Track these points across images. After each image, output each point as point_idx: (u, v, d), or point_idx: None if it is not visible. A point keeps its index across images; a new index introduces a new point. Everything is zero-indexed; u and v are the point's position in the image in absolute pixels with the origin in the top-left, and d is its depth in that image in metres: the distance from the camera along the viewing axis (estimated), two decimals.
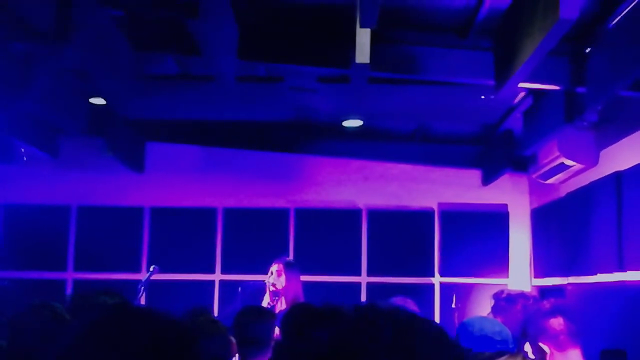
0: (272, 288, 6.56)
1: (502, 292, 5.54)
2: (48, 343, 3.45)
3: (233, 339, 4.18)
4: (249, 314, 4.54)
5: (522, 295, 5.47)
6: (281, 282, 6.55)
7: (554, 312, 4.10)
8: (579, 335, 4.04)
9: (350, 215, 9.21)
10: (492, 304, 5.45)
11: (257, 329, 4.35)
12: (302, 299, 6.47)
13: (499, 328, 3.60)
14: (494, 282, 8.64)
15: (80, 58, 5.34)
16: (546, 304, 4.29)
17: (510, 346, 3.56)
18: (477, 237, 9.01)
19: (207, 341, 3.82)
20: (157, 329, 1.42)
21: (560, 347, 3.95)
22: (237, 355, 4.38)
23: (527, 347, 4.08)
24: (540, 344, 3.99)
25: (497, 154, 8.50)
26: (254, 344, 4.29)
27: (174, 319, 1.49)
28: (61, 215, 9.18)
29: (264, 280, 6.73)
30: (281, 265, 6.62)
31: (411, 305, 5.25)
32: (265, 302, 6.53)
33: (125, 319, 1.43)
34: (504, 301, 5.32)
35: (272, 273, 6.62)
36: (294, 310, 3.34)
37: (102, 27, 5.28)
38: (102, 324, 1.41)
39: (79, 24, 4.72)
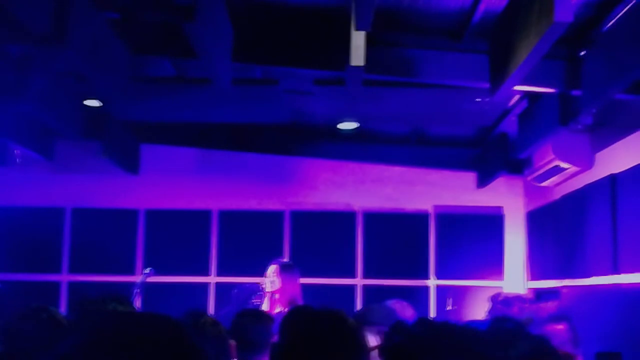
0: (268, 289, 6.55)
1: (498, 294, 5.55)
2: (45, 348, 3.44)
3: (232, 342, 4.19)
4: (247, 316, 4.55)
5: (518, 298, 5.48)
6: (276, 285, 6.53)
7: (558, 319, 4.10)
8: (580, 344, 4.04)
9: (346, 218, 9.22)
10: (489, 307, 5.45)
11: (256, 332, 4.36)
12: (300, 301, 6.45)
13: None
14: (489, 284, 8.66)
15: (76, 60, 5.32)
16: (550, 308, 4.28)
17: None
18: (473, 240, 9.02)
19: (208, 343, 3.82)
20: (163, 339, 1.40)
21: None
22: (236, 358, 4.38)
23: None
24: None
25: (492, 157, 8.52)
26: (253, 346, 4.30)
27: (182, 331, 1.46)
28: (56, 217, 9.17)
29: (259, 283, 6.72)
30: (276, 268, 6.61)
31: (407, 308, 5.26)
32: (265, 306, 6.51)
33: (130, 328, 1.41)
34: (501, 304, 5.32)
35: (268, 275, 6.61)
36: (294, 312, 3.34)
37: (99, 30, 5.28)
38: (104, 332, 1.39)
39: (75, 27, 4.71)
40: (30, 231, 9.03)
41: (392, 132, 8.98)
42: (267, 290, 6.57)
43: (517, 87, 5.79)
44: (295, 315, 3.25)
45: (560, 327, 4.11)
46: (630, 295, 6.02)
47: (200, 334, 3.79)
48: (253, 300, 6.84)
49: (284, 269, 6.64)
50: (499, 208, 9.20)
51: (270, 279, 6.57)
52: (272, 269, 6.61)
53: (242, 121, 7.89)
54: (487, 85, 5.81)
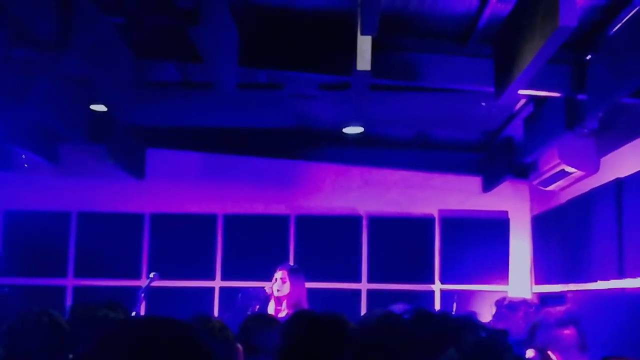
0: (276, 294, 6.54)
1: (503, 299, 5.53)
2: (45, 351, 3.45)
3: (240, 346, 4.18)
4: (255, 321, 4.55)
5: (524, 302, 5.46)
6: (285, 289, 6.54)
7: (566, 323, 4.07)
8: (588, 348, 4.01)
9: (351, 222, 9.21)
10: (494, 311, 5.44)
11: (263, 336, 4.35)
12: (305, 305, 6.45)
13: None
14: (494, 289, 8.64)
15: (81, 65, 5.33)
16: (558, 313, 4.24)
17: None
18: (478, 244, 9.01)
19: (216, 347, 3.81)
20: (175, 340, 1.41)
21: (569, 359, 3.92)
22: None
23: (530, 353, 4.06)
24: (549, 352, 3.96)
25: (498, 161, 8.50)
26: (260, 351, 4.29)
27: (192, 332, 1.47)
28: (61, 222, 9.18)
29: (265, 287, 6.71)
30: (285, 272, 6.61)
31: None
32: (271, 310, 6.50)
33: (142, 329, 1.42)
34: (506, 308, 5.30)
35: (276, 280, 6.60)
36: (296, 316, 3.34)
37: (103, 34, 5.29)
38: (117, 335, 1.40)
39: (79, 31, 4.72)
40: (36, 235, 9.04)
41: (398, 136, 8.98)
42: (275, 294, 6.57)
43: (523, 91, 5.78)
44: (296, 319, 3.26)
45: (568, 331, 4.08)
46: (636, 299, 5.99)
47: (210, 337, 3.78)
48: (257, 305, 6.83)
49: (292, 273, 6.64)
50: (504, 212, 9.19)
51: (279, 283, 6.57)
52: (280, 273, 6.61)
53: (247, 125, 7.89)
54: (492, 89, 5.80)
